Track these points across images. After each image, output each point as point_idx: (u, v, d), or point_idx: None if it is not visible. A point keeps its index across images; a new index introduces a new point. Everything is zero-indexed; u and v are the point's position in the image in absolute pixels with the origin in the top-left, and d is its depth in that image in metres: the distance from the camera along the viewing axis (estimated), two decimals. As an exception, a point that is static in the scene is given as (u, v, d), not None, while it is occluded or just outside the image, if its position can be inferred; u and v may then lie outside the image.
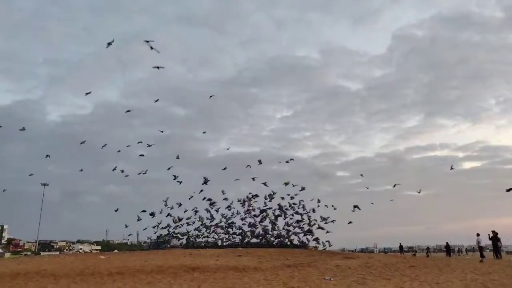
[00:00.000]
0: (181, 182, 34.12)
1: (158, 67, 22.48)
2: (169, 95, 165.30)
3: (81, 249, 79.96)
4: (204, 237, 35.63)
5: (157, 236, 42.91)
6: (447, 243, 35.62)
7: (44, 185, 61.72)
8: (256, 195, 34.20)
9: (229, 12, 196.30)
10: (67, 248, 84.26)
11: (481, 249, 25.54)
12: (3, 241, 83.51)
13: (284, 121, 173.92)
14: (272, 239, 33.99)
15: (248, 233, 34.44)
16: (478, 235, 25.62)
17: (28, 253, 55.93)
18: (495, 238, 22.10)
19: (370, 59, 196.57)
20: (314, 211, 33.18)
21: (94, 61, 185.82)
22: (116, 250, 61.02)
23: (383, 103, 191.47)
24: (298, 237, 33.71)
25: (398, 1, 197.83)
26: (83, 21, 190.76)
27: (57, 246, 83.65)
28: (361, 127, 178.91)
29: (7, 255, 52.70)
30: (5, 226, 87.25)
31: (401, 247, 44.28)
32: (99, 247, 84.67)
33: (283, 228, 33.76)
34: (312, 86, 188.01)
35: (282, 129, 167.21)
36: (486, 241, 30.89)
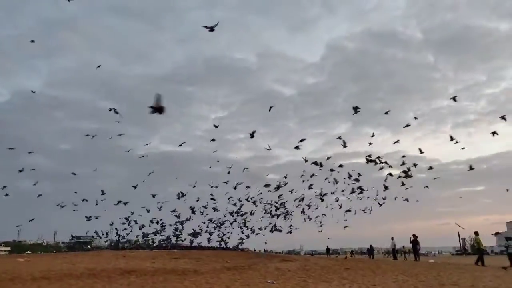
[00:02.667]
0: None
1: None
2: (99, 88, 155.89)
3: (-14, 249, 72.10)
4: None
5: (77, 236, 40.20)
6: (370, 245, 37.95)
7: None
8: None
9: (165, 7, 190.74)
10: (-31, 248, 75.48)
11: (394, 251, 27.79)
12: None
13: (218, 121, 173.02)
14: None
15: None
16: (392, 238, 27.77)
17: None
18: (415, 241, 24.01)
19: (304, 66, 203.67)
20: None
21: (14, 46, 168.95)
22: (29, 252, 56.04)
23: (315, 110, 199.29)
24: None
25: (332, 13, 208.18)
26: (3, 1, 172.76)
27: (-43, 247, 74.64)
28: (293, 131, 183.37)
29: None
30: None
31: (328, 249, 46.23)
32: (8, 248, 77.08)
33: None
34: (248, 89, 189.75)
35: (216, 130, 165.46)
36: (402, 244, 33.48)
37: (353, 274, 13.43)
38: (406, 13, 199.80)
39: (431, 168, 27.73)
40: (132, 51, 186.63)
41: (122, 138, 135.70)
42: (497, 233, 40.30)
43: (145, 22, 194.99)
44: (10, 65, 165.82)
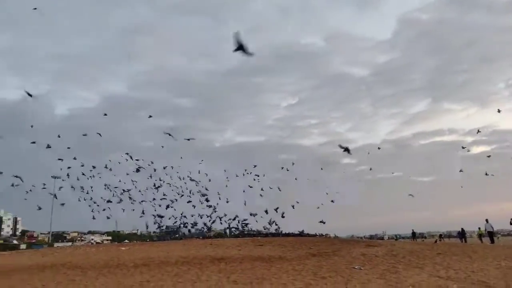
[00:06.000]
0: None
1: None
2: (174, 86, 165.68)
3: (92, 239, 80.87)
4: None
5: (166, 226, 43.21)
6: (462, 229, 35.36)
7: (55, 177, 61.96)
8: None
9: (229, 1, 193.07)
10: (78, 238, 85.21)
11: (490, 234, 25.43)
12: (17, 233, 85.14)
13: (289, 109, 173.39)
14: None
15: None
16: (487, 221, 25.46)
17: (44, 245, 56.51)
18: (517, 223, 21.84)
19: (375, 44, 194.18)
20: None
21: (100, 54, 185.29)
22: (126, 240, 61.65)
23: (389, 89, 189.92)
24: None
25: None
26: (87, 14, 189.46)
27: (69, 237, 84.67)
28: (367, 113, 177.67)
29: (22, 246, 53.50)
30: (18, 218, 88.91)
31: (413, 233, 44.03)
32: (109, 238, 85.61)
33: None
34: (317, 74, 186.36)
35: (288, 118, 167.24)
36: (497, 227, 30.23)
37: (447, 259, 12.65)
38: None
39: None
40: (200, 48, 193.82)
41: (198, 132, 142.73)
42: None
43: (209, 18, 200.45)
44: (97, 73, 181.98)
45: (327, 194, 34.12)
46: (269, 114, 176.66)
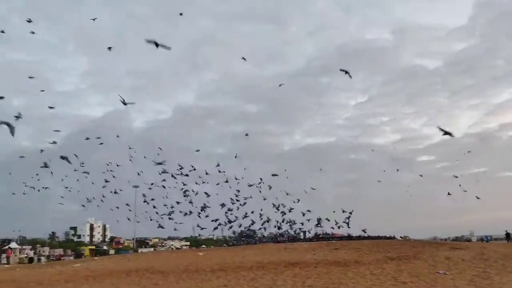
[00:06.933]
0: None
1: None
2: (241, 93, 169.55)
3: (172, 245, 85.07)
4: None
5: (241, 231, 44.03)
6: None
7: (135, 187, 66.43)
8: None
9: (290, 3, 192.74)
10: (159, 244, 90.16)
11: None
12: (106, 239, 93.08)
13: (359, 107, 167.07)
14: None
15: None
16: None
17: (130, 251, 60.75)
18: None
19: (448, 32, 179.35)
20: None
21: (169, 68, 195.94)
22: (204, 246, 63.91)
23: (467, 79, 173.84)
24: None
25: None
26: (155, 30, 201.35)
27: (151, 243, 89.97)
28: (444, 107, 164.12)
29: (111, 251, 58.13)
30: (107, 226, 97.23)
31: (507, 234, 39.84)
32: (188, 243, 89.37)
33: None
34: (386, 69, 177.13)
35: (358, 116, 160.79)
36: None
37: (550, 263, 11.30)
38: None
39: None
40: (265, 53, 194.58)
41: (267, 136, 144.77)
42: None
43: (271, 23, 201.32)
44: (168, 85, 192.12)
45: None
46: (338, 113, 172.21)
